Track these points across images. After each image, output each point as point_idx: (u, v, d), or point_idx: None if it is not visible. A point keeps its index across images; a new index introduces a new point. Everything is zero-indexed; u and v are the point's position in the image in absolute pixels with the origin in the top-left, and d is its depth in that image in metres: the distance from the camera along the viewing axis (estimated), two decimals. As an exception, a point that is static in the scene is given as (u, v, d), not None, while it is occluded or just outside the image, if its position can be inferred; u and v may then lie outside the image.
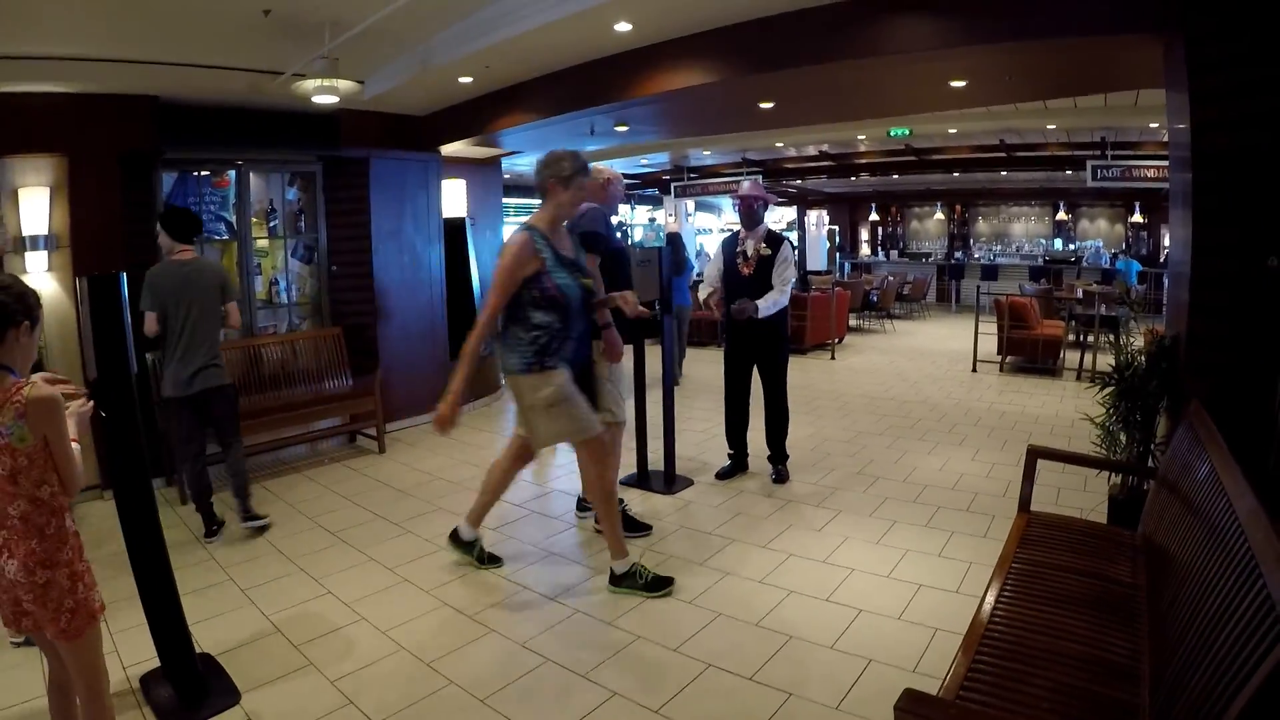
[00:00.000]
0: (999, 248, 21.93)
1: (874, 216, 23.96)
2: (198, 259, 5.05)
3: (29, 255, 5.54)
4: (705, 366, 10.42)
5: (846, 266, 22.23)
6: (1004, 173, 17.38)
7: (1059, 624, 2.54)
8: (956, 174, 18.00)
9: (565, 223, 4.20)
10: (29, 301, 2.30)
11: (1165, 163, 10.87)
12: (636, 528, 4.84)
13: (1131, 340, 4.65)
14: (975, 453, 6.57)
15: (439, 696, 3.20)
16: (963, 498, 5.43)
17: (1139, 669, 2.30)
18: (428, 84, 6.47)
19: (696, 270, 12.72)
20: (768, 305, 5.46)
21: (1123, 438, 4.22)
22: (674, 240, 10.13)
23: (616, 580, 4.12)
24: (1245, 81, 3.46)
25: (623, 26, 5.17)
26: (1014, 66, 5.64)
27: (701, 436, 7.11)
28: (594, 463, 4.08)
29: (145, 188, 6.23)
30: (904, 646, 3.48)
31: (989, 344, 10.74)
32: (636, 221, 23.98)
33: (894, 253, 23.15)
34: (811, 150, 15.66)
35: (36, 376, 2.35)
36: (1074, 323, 11.37)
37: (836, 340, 12.60)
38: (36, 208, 5.55)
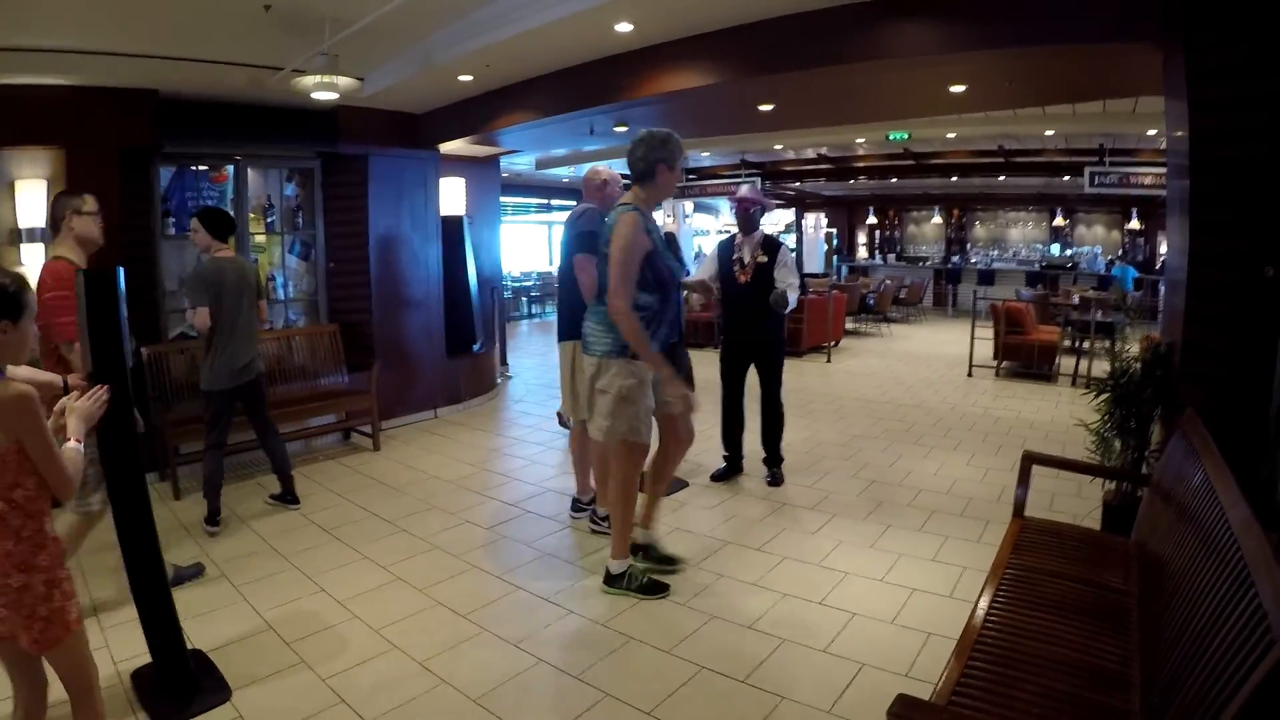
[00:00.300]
0: (996, 252, 21.93)
1: (872, 220, 23.94)
2: (237, 257, 5.19)
3: (24, 247, 5.55)
4: (701, 368, 10.32)
5: (844, 269, 22.24)
6: (1002, 178, 17.39)
7: (1052, 630, 2.55)
8: (955, 178, 18.00)
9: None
10: (8, 297, 2.18)
11: (1163, 170, 10.90)
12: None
13: (1127, 347, 4.66)
14: (970, 457, 6.58)
15: (431, 696, 3.19)
16: (957, 502, 5.44)
17: (1131, 675, 2.30)
18: (427, 82, 6.46)
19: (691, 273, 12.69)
20: (792, 299, 5.46)
21: (1117, 445, 4.23)
22: (670, 241, 10.13)
23: (610, 580, 4.11)
24: (1244, 92, 3.46)
25: (624, 27, 5.16)
26: (1014, 72, 5.65)
27: (697, 438, 7.08)
28: (627, 466, 4.03)
29: (143, 182, 6.23)
30: (897, 651, 3.49)
31: (985, 349, 10.76)
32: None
33: (891, 256, 23.13)
34: (810, 153, 15.66)
35: (25, 372, 2.29)
36: (1070, 328, 11.39)
37: (833, 343, 12.62)
38: (33, 200, 5.54)
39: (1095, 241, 20.63)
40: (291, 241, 7.61)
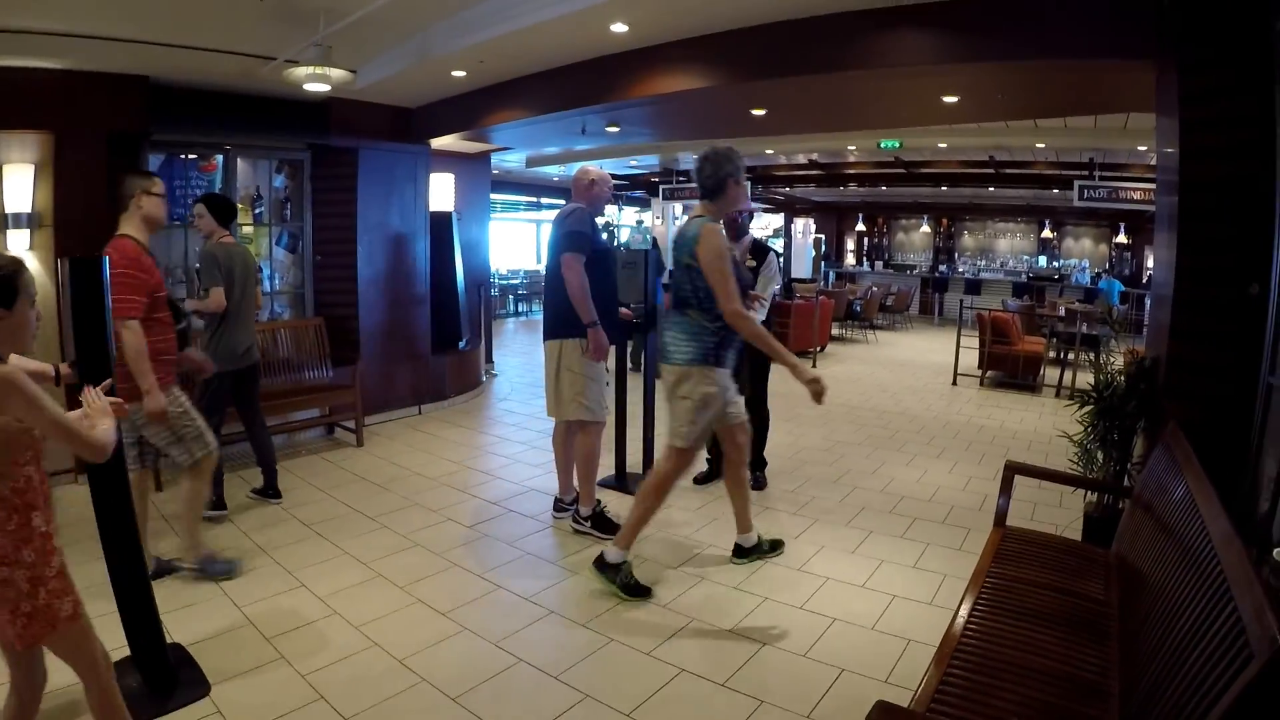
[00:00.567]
0: (983, 263, 22.08)
1: (860, 227, 24.04)
2: (238, 243, 5.28)
3: (10, 233, 5.49)
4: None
5: (831, 275, 22.30)
6: (991, 189, 17.48)
7: (1031, 639, 2.56)
8: (944, 188, 18.08)
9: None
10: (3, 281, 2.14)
11: (1152, 185, 11.01)
12: (613, 530, 4.83)
13: (1112, 360, 4.69)
14: (953, 465, 6.61)
15: (410, 694, 3.18)
16: (939, 510, 5.46)
17: (1109, 686, 2.31)
18: (421, 76, 6.44)
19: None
20: (760, 314, 5.44)
21: (1100, 456, 4.26)
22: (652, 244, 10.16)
23: (601, 565, 4.10)
24: (1235, 111, 3.49)
25: (619, 27, 5.16)
26: (1007, 85, 5.69)
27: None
28: (675, 469, 4.11)
29: (132, 168, 6.16)
30: (876, 657, 3.50)
31: (970, 358, 10.82)
32: (623, 223, 23.98)
33: (879, 263, 23.25)
34: (801, 159, 15.69)
35: (16, 360, 2.24)
36: (1055, 340, 11.46)
37: (819, 349, 12.64)
38: (20, 185, 5.49)
39: (1083, 254, 20.79)
40: (279, 233, 7.57)
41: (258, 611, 3.86)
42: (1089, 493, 4.41)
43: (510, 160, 14.63)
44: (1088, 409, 4.34)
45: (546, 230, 9.82)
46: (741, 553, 4.53)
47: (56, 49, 5.24)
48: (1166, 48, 3.79)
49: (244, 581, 4.20)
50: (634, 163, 17.23)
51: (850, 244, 24.59)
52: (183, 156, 6.87)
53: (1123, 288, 16.28)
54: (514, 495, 5.67)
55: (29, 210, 5.50)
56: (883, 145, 12.25)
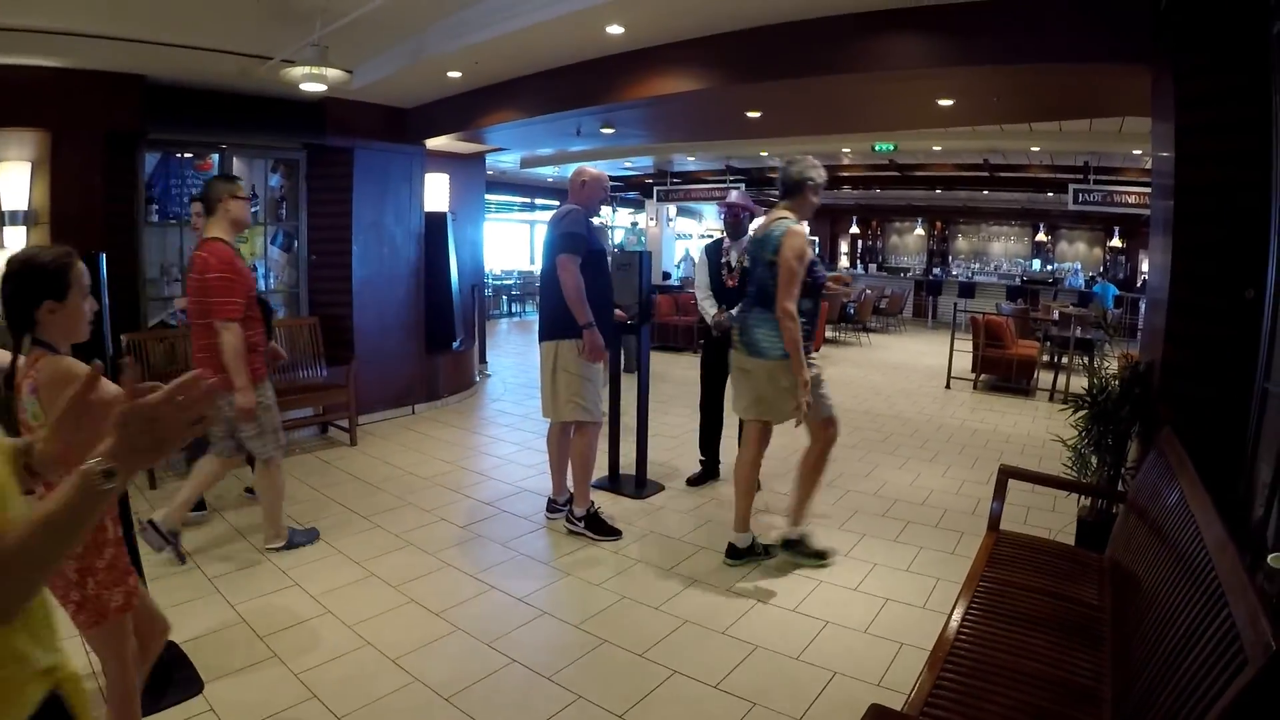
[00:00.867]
0: (977, 266, 22.12)
1: (854, 229, 24.09)
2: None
3: (6, 230, 5.49)
4: (680, 372, 10.44)
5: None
6: (986, 192, 17.53)
7: (1025, 644, 2.56)
8: (939, 191, 18.14)
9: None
10: (49, 276, 2.14)
11: (1147, 189, 11.03)
12: (607, 531, 4.83)
13: (1106, 364, 4.69)
14: (946, 469, 6.61)
15: (403, 693, 3.17)
16: (932, 513, 5.47)
17: (1102, 691, 2.31)
18: (416, 77, 6.43)
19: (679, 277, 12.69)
20: None
21: (1093, 461, 4.26)
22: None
23: (789, 545, 4.50)
24: (1231, 117, 3.50)
25: (615, 29, 5.16)
26: (1002, 88, 5.70)
27: (674, 442, 7.10)
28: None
29: (128, 167, 6.18)
30: (869, 660, 3.50)
31: (964, 361, 10.83)
32: (618, 224, 23.97)
33: (873, 266, 23.28)
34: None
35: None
36: (1049, 344, 11.47)
37: (814, 351, 12.59)
38: (16, 182, 5.48)
39: (1077, 258, 20.84)
40: (274, 232, 7.56)
41: (251, 610, 3.85)
42: (1083, 497, 4.41)
43: (505, 161, 14.62)
44: (1082, 413, 4.34)
45: (541, 231, 9.81)
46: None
47: (54, 47, 5.22)
48: (1162, 52, 3.80)
49: (237, 580, 4.19)
50: (628, 164, 17.23)
51: (844, 246, 24.62)
52: (178, 155, 6.85)
53: (1117, 291, 16.31)
54: (507, 496, 5.66)
55: (25, 207, 5.49)
56: (877, 148, 12.29)
